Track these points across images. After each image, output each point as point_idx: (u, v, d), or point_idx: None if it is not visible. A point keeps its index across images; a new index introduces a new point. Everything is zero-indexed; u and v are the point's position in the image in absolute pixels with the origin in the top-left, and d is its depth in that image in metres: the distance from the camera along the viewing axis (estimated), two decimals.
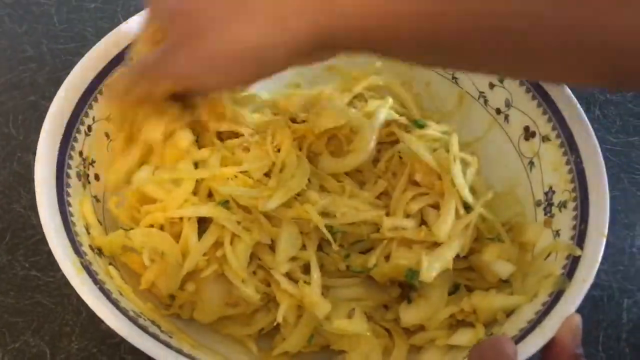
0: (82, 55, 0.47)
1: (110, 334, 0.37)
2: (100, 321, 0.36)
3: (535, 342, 0.36)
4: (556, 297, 0.38)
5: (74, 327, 0.44)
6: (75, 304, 0.45)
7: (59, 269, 0.39)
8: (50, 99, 0.50)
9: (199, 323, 0.42)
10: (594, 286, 0.39)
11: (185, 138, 0.42)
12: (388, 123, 0.45)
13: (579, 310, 0.37)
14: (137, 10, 0.50)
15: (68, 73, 0.45)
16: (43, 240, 0.46)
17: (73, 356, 0.43)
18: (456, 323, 0.42)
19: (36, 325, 0.44)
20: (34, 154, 0.41)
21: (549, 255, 0.41)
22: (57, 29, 0.59)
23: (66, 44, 0.58)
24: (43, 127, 0.42)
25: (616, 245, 0.50)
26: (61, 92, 0.44)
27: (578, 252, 0.39)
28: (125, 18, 0.50)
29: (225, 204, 0.41)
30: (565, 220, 0.42)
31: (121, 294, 0.39)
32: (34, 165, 0.41)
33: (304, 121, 0.46)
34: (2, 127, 0.53)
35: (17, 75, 0.56)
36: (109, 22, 0.59)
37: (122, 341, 0.36)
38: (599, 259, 0.38)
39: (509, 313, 0.40)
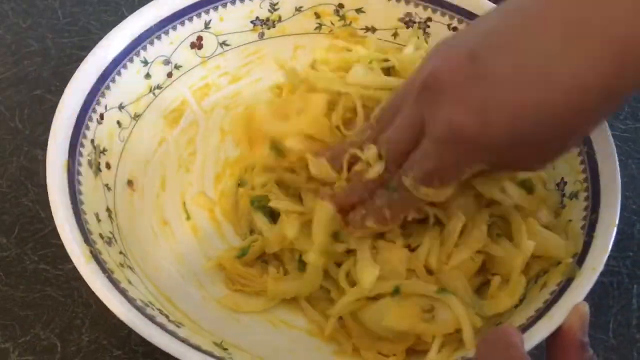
0: (87, 48, 0.47)
1: (121, 326, 0.37)
2: (110, 314, 0.37)
3: (543, 330, 0.36)
4: (565, 286, 0.38)
5: (84, 320, 0.44)
6: (84, 296, 0.45)
7: (68, 262, 0.39)
8: (55, 93, 0.51)
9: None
10: (603, 272, 0.39)
11: None
12: None
13: (588, 297, 0.37)
14: (141, 2, 0.50)
15: (73, 67, 0.45)
16: (51, 234, 0.47)
17: (83, 348, 0.43)
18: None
19: (46, 318, 0.44)
20: (41, 147, 0.41)
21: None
22: (61, 22, 0.59)
23: (71, 38, 0.58)
24: (55, 114, 0.42)
25: (625, 231, 0.49)
26: (74, 80, 0.44)
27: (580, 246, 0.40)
28: (129, 11, 0.50)
29: None
30: (576, 210, 0.42)
31: (127, 283, 0.39)
32: (41, 159, 0.41)
33: None
34: (8, 122, 0.53)
35: (23, 70, 0.56)
36: (113, 16, 0.59)
37: (132, 333, 0.37)
38: (609, 248, 0.38)
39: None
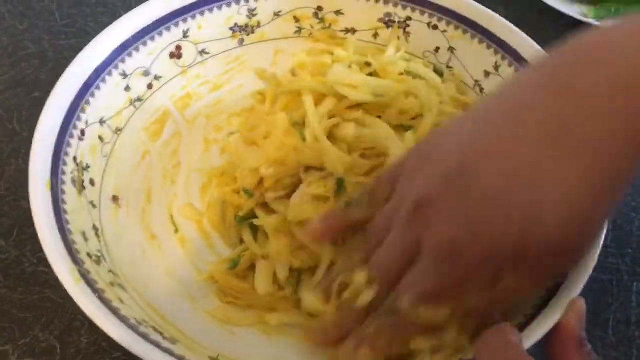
0: None
1: None
2: None
3: (541, 327, 0.36)
4: (559, 282, 0.38)
5: (83, 322, 0.44)
6: None
7: None
8: None
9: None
10: (602, 270, 0.39)
11: None
12: None
13: (587, 294, 0.37)
14: (138, 4, 0.50)
15: None
16: None
17: (83, 350, 0.43)
18: None
19: (45, 320, 0.44)
20: None
21: None
22: (58, 24, 0.59)
23: (68, 40, 0.58)
24: (35, 134, 0.42)
25: (624, 228, 0.49)
26: (52, 98, 0.43)
27: None
28: (127, 13, 0.50)
29: None
30: None
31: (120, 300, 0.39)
32: None
33: None
34: (7, 124, 0.53)
35: (20, 72, 0.56)
36: (110, 17, 0.59)
37: None
38: (601, 241, 0.38)
39: None
